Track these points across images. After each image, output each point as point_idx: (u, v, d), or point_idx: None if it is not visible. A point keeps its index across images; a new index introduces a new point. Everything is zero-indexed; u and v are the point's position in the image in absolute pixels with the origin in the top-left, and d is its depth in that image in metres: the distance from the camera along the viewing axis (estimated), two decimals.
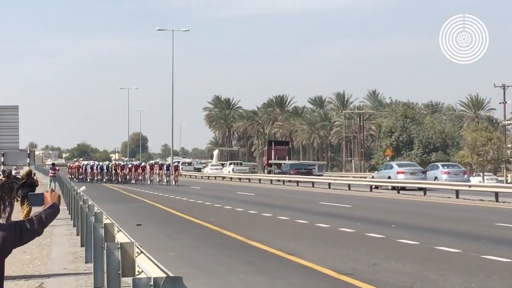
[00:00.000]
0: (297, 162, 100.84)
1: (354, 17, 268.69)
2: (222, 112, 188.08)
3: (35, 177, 33.57)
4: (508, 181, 78.47)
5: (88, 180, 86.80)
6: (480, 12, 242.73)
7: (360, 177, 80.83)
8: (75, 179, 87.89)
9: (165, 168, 79.75)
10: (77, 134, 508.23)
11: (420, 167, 71.83)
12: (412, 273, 14.91)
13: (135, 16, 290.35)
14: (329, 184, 64.12)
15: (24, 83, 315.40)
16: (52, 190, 5.84)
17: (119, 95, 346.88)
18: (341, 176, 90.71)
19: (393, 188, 56.73)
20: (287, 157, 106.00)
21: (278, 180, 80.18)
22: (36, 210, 5.80)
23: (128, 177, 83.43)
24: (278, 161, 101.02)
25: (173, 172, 76.42)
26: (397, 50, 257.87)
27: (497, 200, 40.61)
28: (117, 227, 12.60)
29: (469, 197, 43.84)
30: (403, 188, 55.77)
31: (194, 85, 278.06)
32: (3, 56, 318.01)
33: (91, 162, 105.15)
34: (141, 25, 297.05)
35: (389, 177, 61.07)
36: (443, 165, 68.51)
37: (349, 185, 61.65)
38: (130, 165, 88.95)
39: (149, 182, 79.68)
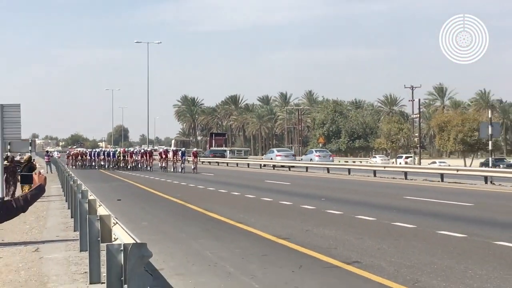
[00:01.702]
0: (215, 148, 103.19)
1: (294, 32, 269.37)
2: (188, 108, 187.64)
3: (34, 162, 33.31)
4: (416, 163, 78.99)
5: (93, 166, 71.76)
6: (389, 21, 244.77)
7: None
8: (73, 166, 71.23)
9: (179, 154, 60.69)
10: (71, 126, 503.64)
11: (292, 152, 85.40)
12: (336, 237, 14.96)
13: (119, 30, 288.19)
14: (237, 163, 74.64)
15: (29, 83, 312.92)
16: (40, 173, 5.76)
17: (105, 94, 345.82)
18: (244, 159, 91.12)
19: (273, 166, 64.51)
20: (223, 145, 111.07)
21: (203, 162, 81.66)
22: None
23: (139, 164, 65.20)
24: (217, 148, 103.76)
25: (193, 159, 57.81)
26: (329, 58, 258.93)
27: (406, 178, 40.99)
28: (99, 202, 12.50)
29: (385, 176, 44.24)
30: (282, 166, 63.95)
31: (166, 86, 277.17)
32: (12, 60, 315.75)
33: (98, 149, 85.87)
34: (123, 37, 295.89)
35: (271, 159, 70.50)
36: (316, 151, 77.18)
37: (248, 164, 71.59)
38: (142, 151, 69.47)
39: (163, 169, 60.46)
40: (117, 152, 72.08)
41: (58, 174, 45.63)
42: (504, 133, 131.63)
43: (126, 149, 78.13)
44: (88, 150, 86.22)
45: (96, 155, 74.21)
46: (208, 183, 38.41)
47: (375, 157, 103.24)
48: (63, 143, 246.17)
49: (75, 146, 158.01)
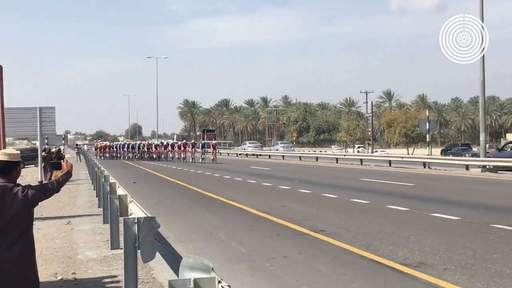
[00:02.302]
0: (205, 141, 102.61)
1: (274, 48, 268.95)
2: (189, 109, 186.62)
3: (62, 153, 33.26)
4: (370, 152, 79.09)
5: (117, 157, 63.27)
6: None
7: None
8: (100, 157, 63.99)
9: (199, 146, 55.68)
10: (96, 124, 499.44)
11: (259, 144, 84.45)
12: (306, 211, 14.99)
13: (135, 47, 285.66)
14: (228, 153, 74.70)
15: (64, 88, 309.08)
16: (67, 161, 5.79)
17: (123, 98, 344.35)
18: (229, 149, 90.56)
19: (257, 155, 64.95)
20: (213, 139, 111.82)
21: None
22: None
23: (164, 155, 57.37)
24: (207, 141, 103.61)
25: (212, 150, 49.84)
26: (301, 69, 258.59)
27: (361, 164, 41.02)
28: (118, 184, 12.47)
29: (345, 162, 44.28)
30: (253, 154, 65.37)
31: (171, 92, 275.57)
32: (52, 69, 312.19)
33: (121, 142, 75.65)
34: (138, 53, 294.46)
35: (244, 149, 72.66)
36: (280, 143, 79.44)
37: (237, 154, 72.13)
38: (165, 143, 61.46)
39: (182, 159, 52.22)
40: (141, 144, 63.55)
41: (86, 163, 45.41)
42: (439, 128, 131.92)
43: (150, 142, 70.88)
44: (114, 143, 76.44)
45: (121, 147, 65.93)
46: (206, 169, 38.33)
47: (331, 147, 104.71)
48: (90, 137, 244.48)
49: (99, 140, 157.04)
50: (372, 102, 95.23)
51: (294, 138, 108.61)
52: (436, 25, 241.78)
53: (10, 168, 4.90)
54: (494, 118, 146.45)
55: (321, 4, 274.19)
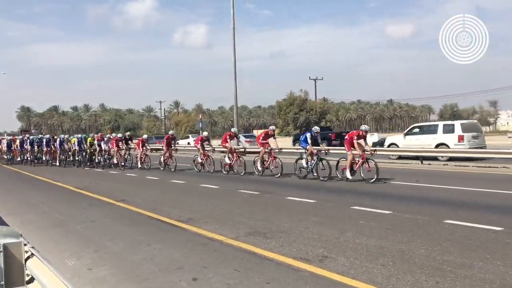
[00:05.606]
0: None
1: (90, 69, 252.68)
2: (25, 113, 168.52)
3: None
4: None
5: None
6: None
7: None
8: None
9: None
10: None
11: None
12: (114, 187, 14.37)
13: None
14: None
15: None
16: None
17: None
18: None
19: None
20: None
21: None
22: None
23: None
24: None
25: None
26: (113, 83, 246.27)
27: (157, 151, 40.27)
28: None
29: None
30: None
31: (11, 99, 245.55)
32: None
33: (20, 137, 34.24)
34: None
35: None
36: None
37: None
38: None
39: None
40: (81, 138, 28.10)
41: None
42: (210, 127, 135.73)
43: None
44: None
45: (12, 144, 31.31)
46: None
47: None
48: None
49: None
50: (164, 109, 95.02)
51: (109, 134, 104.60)
52: (206, 57, 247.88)
53: None
54: (246, 120, 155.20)
55: (126, 38, 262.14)
